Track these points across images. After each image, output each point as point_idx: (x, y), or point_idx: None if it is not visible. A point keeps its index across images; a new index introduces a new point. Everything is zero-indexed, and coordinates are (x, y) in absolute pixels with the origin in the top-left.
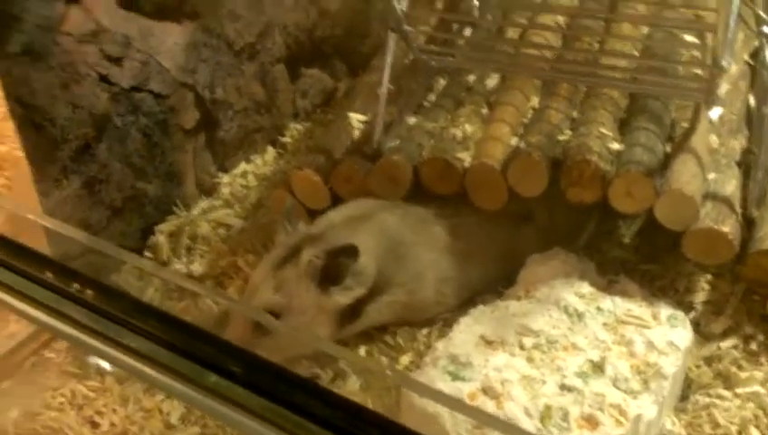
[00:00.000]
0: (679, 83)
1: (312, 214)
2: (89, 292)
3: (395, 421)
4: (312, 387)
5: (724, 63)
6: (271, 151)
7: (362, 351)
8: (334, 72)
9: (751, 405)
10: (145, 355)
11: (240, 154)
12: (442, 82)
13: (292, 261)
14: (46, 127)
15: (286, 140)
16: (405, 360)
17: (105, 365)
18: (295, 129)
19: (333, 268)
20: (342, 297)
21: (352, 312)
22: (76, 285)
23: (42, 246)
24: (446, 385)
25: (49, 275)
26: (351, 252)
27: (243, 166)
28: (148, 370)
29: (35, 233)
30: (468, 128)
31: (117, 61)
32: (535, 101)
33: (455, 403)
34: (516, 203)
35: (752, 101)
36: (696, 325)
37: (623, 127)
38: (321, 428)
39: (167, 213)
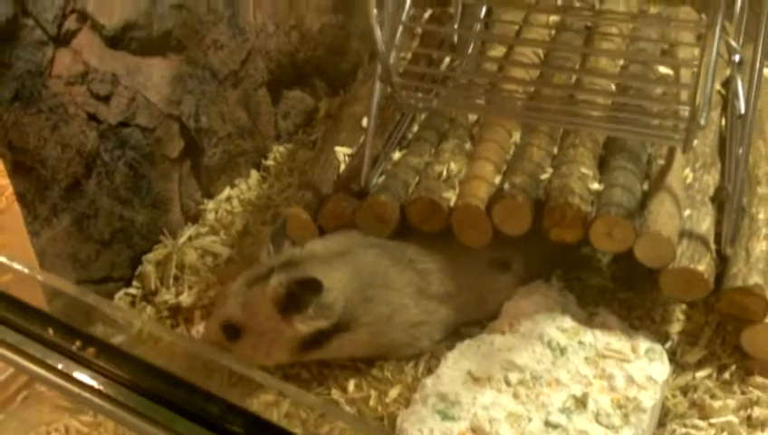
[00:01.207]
0: (655, 130)
1: None
2: (72, 340)
3: None
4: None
5: (701, 121)
6: (255, 175)
7: (351, 384)
8: (315, 92)
9: None
10: (124, 404)
11: (224, 179)
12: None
13: (262, 282)
14: (36, 168)
15: (269, 162)
16: (393, 393)
17: None
18: (278, 151)
19: (299, 297)
20: (303, 326)
21: (315, 340)
22: (59, 334)
23: (34, 286)
24: (436, 425)
25: (34, 326)
26: (315, 286)
27: (227, 191)
28: (129, 417)
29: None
30: (453, 165)
31: (105, 99)
32: (517, 136)
33: None
34: (495, 249)
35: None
36: (671, 355)
37: (602, 165)
38: None
39: (154, 242)
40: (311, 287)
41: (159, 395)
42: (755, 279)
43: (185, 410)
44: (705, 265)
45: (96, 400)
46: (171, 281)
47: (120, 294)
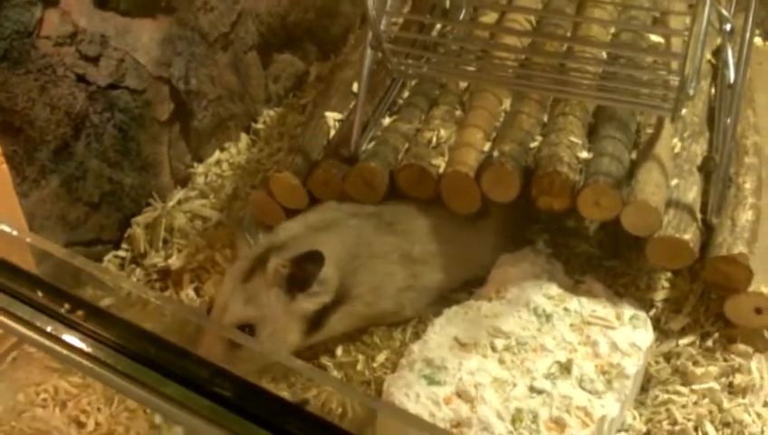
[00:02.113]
0: (645, 100)
1: (290, 213)
2: (61, 302)
3: None
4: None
5: (690, 91)
6: (244, 138)
7: (340, 350)
8: (305, 56)
9: (706, 401)
10: (112, 366)
11: (214, 142)
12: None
13: (258, 272)
14: (25, 130)
15: (259, 126)
16: (381, 358)
17: None
18: (268, 115)
19: (299, 276)
20: (309, 304)
21: (317, 321)
22: (48, 297)
23: (23, 248)
24: (422, 389)
25: (24, 288)
26: (317, 258)
27: (217, 154)
28: (117, 379)
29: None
30: (443, 132)
31: (94, 60)
32: (507, 104)
33: (429, 428)
34: None
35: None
36: (656, 322)
37: (592, 134)
38: None
39: (143, 205)
40: (313, 260)
41: (148, 358)
42: (740, 248)
43: (173, 374)
44: (690, 234)
45: (85, 362)
46: (160, 244)
47: (110, 256)
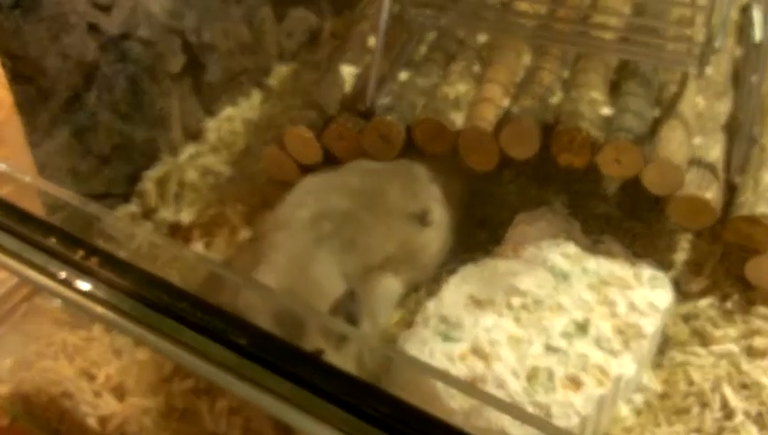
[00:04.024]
0: (669, 55)
1: (304, 169)
2: (75, 249)
3: (398, 397)
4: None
5: (716, 44)
6: (257, 94)
7: None
8: (319, 11)
9: (724, 363)
10: (128, 313)
11: (225, 97)
12: (432, 33)
13: None
14: (36, 79)
15: (272, 82)
16: (395, 317)
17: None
18: (281, 70)
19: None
20: None
21: None
22: (62, 244)
23: (33, 199)
24: (437, 346)
25: (37, 235)
26: (353, 297)
27: (229, 110)
28: (131, 325)
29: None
30: (461, 87)
31: (105, 9)
32: (527, 59)
33: (445, 378)
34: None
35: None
36: (675, 284)
37: (613, 90)
38: (312, 393)
39: (154, 159)
40: (352, 301)
41: (164, 306)
42: (763, 208)
43: (189, 322)
44: (712, 193)
45: (99, 308)
46: (171, 199)
47: (120, 210)
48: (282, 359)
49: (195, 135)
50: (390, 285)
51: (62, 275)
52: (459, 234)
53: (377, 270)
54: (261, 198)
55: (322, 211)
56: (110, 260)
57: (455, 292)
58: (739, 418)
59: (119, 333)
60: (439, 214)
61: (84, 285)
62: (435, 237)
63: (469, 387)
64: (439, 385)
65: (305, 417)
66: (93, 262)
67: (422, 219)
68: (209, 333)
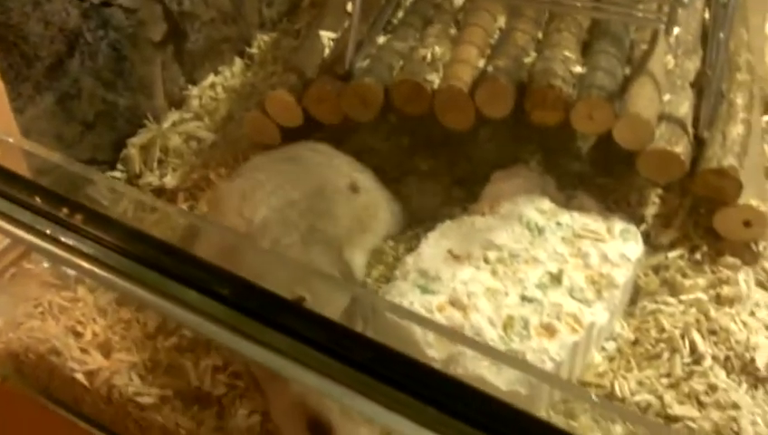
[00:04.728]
0: (639, 13)
1: (286, 132)
2: (63, 209)
3: (379, 342)
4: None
5: (685, 1)
6: (238, 63)
7: None
8: None
9: (693, 310)
10: (116, 268)
11: (207, 65)
12: None
13: None
14: (19, 45)
15: (253, 50)
16: (375, 273)
17: (78, 274)
18: (262, 39)
19: None
20: None
21: None
22: (51, 203)
23: (18, 163)
24: (416, 298)
25: (24, 194)
26: None
27: (211, 78)
28: (118, 280)
29: (13, 153)
30: (437, 49)
31: None
32: (502, 21)
33: (423, 321)
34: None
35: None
36: (645, 237)
37: (585, 49)
38: (297, 341)
39: (138, 126)
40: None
41: (149, 260)
42: (730, 161)
43: (173, 274)
44: (681, 147)
45: (85, 264)
46: (155, 164)
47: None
48: (264, 307)
49: (178, 102)
50: (357, 259)
51: (48, 231)
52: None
53: (343, 247)
54: (243, 162)
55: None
56: (94, 216)
57: (433, 247)
58: (708, 362)
59: (103, 294)
60: (366, 178)
61: (70, 241)
62: (376, 199)
63: (448, 331)
64: (418, 334)
65: (289, 362)
66: (78, 218)
67: (354, 188)
68: (192, 285)
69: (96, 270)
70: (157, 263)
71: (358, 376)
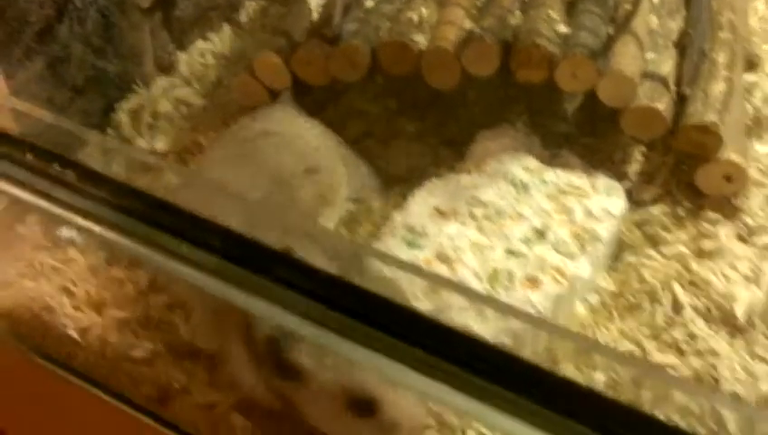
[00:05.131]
0: None
1: (274, 95)
2: (59, 168)
3: (365, 288)
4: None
5: None
6: (227, 30)
7: None
8: None
9: (674, 263)
10: (115, 225)
11: (196, 32)
12: None
13: None
14: (8, 9)
15: (242, 18)
16: (363, 231)
17: (70, 236)
18: (251, 6)
19: None
20: None
21: None
22: (43, 160)
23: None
24: (403, 253)
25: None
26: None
27: (200, 44)
28: (111, 234)
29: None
30: (424, 11)
31: None
32: None
33: (411, 268)
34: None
35: None
36: (629, 193)
37: (570, 9)
38: (287, 289)
39: (127, 92)
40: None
41: (141, 214)
42: (711, 117)
43: (164, 226)
44: (664, 104)
45: (79, 219)
46: (145, 129)
47: (93, 146)
48: (253, 257)
49: (167, 68)
50: None
51: (41, 187)
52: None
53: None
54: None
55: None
56: (85, 172)
57: (420, 204)
58: (688, 312)
59: (94, 254)
60: (326, 150)
61: (63, 196)
62: (337, 171)
63: (435, 276)
64: (405, 287)
65: (278, 310)
66: (70, 175)
67: (311, 171)
68: (183, 237)
69: (87, 224)
70: (148, 216)
71: (345, 321)
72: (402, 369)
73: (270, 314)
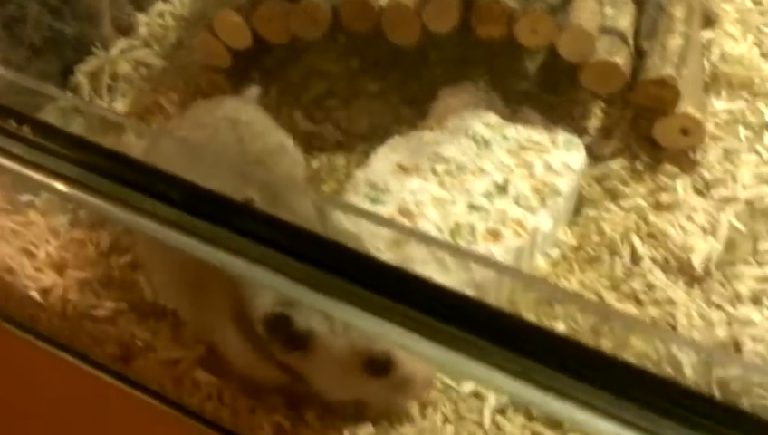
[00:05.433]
0: None
1: (235, 55)
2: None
3: (331, 239)
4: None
5: None
6: None
7: None
8: None
9: (633, 216)
10: (83, 183)
11: None
12: None
13: None
14: None
15: None
16: (326, 189)
17: (29, 199)
18: None
19: None
20: None
21: None
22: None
23: None
24: (366, 208)
25: None
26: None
27: (159, 6)
28: (69, 189)
29: None
30: None
31: None
32: None
33: (375, 217)
34: None
35: None
36: (589, 148)
37: None
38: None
39: (86, 54)
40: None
41: (98, 167)
42: (668, 71)
43: (123, 179)
44: (622, 58)
45: (36, 175)
46: (104, 91)
47: (51, 107)
48: (215, 209)
49: (126, 30)
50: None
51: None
52: None
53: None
54: (195, 86)
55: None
56: (43, 127)
57: (382, 161)
58: (646, 263)
59: (55, 217)
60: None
61: (20, 152)
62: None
63: (398, 226)
64: (367, 241)
65: (240, 260)
66: (26, 130)
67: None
68: (142, 189)
69: (46, 179)
70: (110, 171)
71: (309, 270)
72: (370, 318)
73: (233, 266)
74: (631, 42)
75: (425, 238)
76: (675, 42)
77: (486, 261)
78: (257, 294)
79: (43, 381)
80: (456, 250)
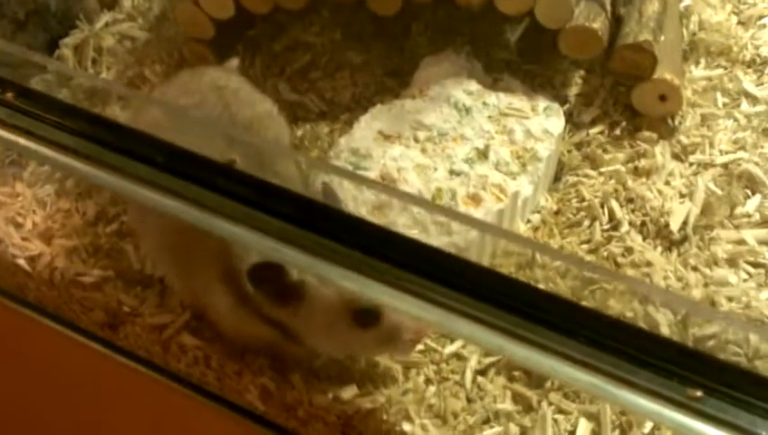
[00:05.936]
0: None
1: (219, 26)
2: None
3: (308, 197)
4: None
5: None
6: None
7: None
8: None
9: (612, 182)
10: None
11: None
12: None
13: None
14: None
15: None
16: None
17: (16, 171)
18: None
19: None
20: None
21: None
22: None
23: None
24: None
25: None
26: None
27: None
28: (55, 154)
29: None
30: None
31: None
32: None
33: (358, 178)
34: None
35: None
36: (569, 116)
37: None
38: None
39: (70, 27)
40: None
41: (85, 133)
42: (645, 36)
43: (109, 144)
44: (599, 24)
45: (22, 140)
46: (89, 64)
47: (37, 79)
48: (197, 170)
49: (110, 4)
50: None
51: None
52: None
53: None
54: (179, 58)
55: None
56: (27, 92)
57: (365, 129)
58: (625, 227)
59: (42, 188)
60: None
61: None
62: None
63: (381, 185)
64: (350, 206)
65: (223, 220)
66: (10, 96)
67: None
68: (127, 153)
69: (32, 145)
70: (95, 136)
71: (290, 229)
72: (354, 277)
73: (215, 225)
74: (609, 8)
75: (407, 198)
76: (652, 7)
77: (468, 219)
78: (247, 251)
79: (31, 349)
80: (439, 209)
